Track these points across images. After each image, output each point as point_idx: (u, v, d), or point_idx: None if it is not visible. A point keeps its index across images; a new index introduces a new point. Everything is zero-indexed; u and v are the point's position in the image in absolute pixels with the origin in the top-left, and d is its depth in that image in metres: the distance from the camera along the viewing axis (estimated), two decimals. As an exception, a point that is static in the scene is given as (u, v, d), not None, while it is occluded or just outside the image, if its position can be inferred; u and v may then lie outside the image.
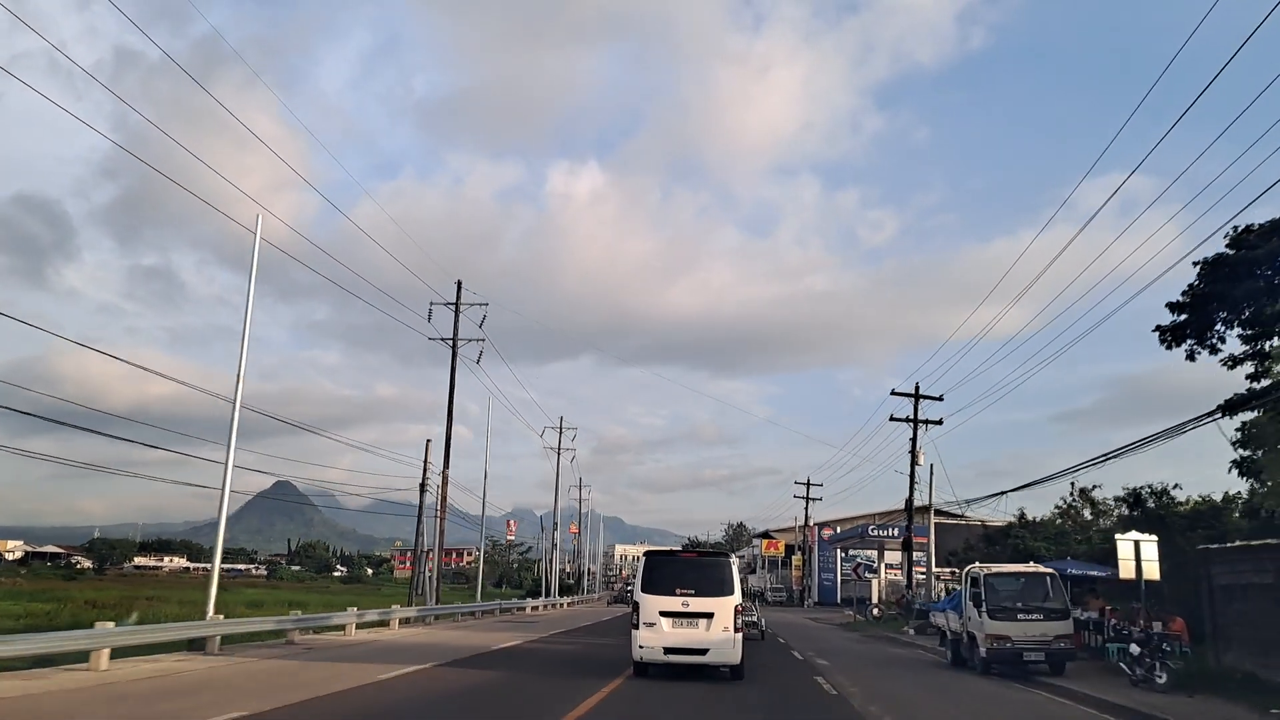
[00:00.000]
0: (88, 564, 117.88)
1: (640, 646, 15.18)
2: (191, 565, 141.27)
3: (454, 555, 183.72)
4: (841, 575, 76.53)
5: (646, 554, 16.36)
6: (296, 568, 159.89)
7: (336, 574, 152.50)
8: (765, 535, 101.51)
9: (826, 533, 76.37)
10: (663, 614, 15.16)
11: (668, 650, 15.06)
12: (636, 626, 15.23)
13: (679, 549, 18.41)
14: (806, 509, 75.91)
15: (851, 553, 78.25)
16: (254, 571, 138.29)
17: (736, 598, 15.28)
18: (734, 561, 16.42)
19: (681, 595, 15.17)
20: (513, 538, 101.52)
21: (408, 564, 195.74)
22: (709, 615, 15.07)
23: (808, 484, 75.71)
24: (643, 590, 15.43)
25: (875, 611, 43.28)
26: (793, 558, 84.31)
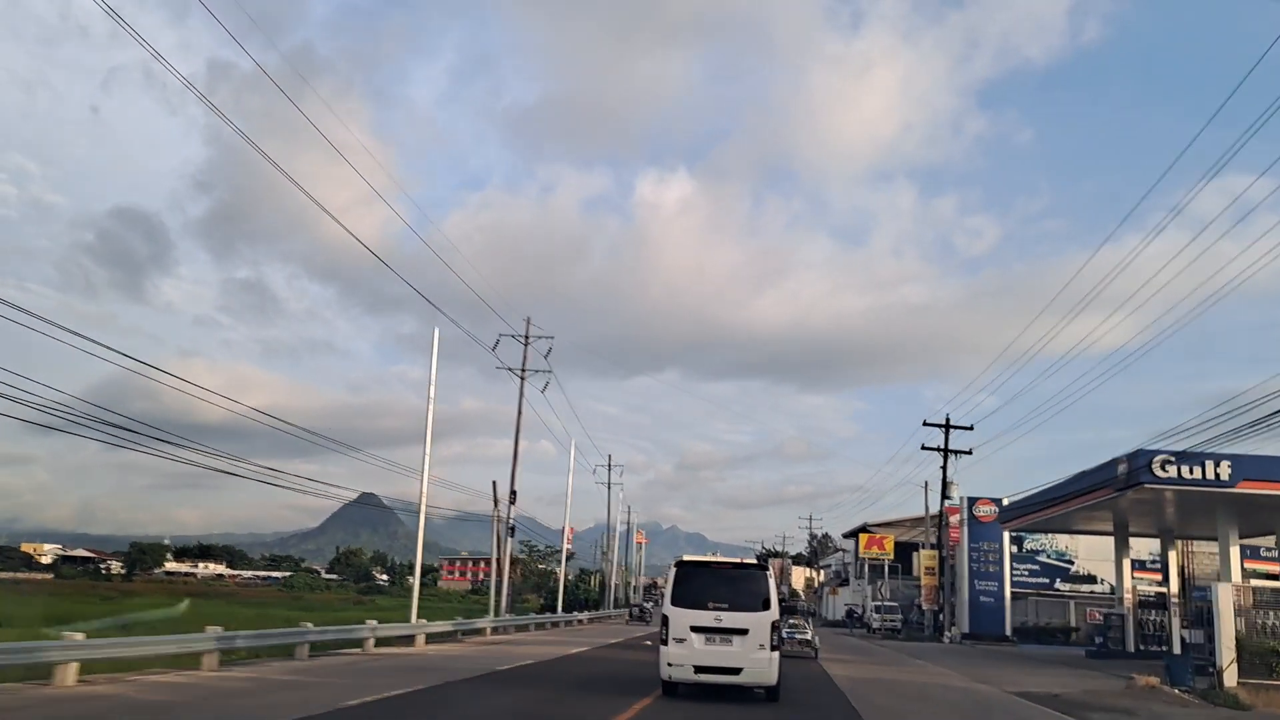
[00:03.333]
0: (119, 568, 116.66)
1: (669, 664, 14.03)
2: (228, 572, 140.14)
3: (474, 564, 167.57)
4: (1011, 584, 45.09)
5: (677, 563, 15.14)
6: (333, 576, 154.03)
7: (379, 583, 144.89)
8: (862, 530, 70.72)
9: (984, 509, 45.14)
10: (694, 629, 13.97)
11: (698, 669, 13.88)
12: (665, 642, 14.12)
13: (712, 559, 16.39)
14: (944, 471, 45.23)
15: (1027, 547, 46.99)
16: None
17: (774, 613, 14.01)
18: (771, 573, 14.92)
19: (714, 609, 13.98)
20: (570, 546, 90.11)
21: (456, 574, 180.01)
22: (744, 631, 13.84)
23: (946, 426, 45.04)
24: (672, 603, 14.28)
25: None
26: (918, 556, 52.99)
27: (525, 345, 46.22)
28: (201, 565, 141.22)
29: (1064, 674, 23.90)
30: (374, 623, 23.60)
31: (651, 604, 51.73)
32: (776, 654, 13.76)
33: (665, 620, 14.14)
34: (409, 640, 25.69)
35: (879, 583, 66.18)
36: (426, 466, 28.92)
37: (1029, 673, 24.20)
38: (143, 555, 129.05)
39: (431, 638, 27.36)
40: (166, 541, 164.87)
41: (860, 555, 69.98)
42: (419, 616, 27.92)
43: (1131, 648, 31.30)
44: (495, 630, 34.29)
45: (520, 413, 45.24)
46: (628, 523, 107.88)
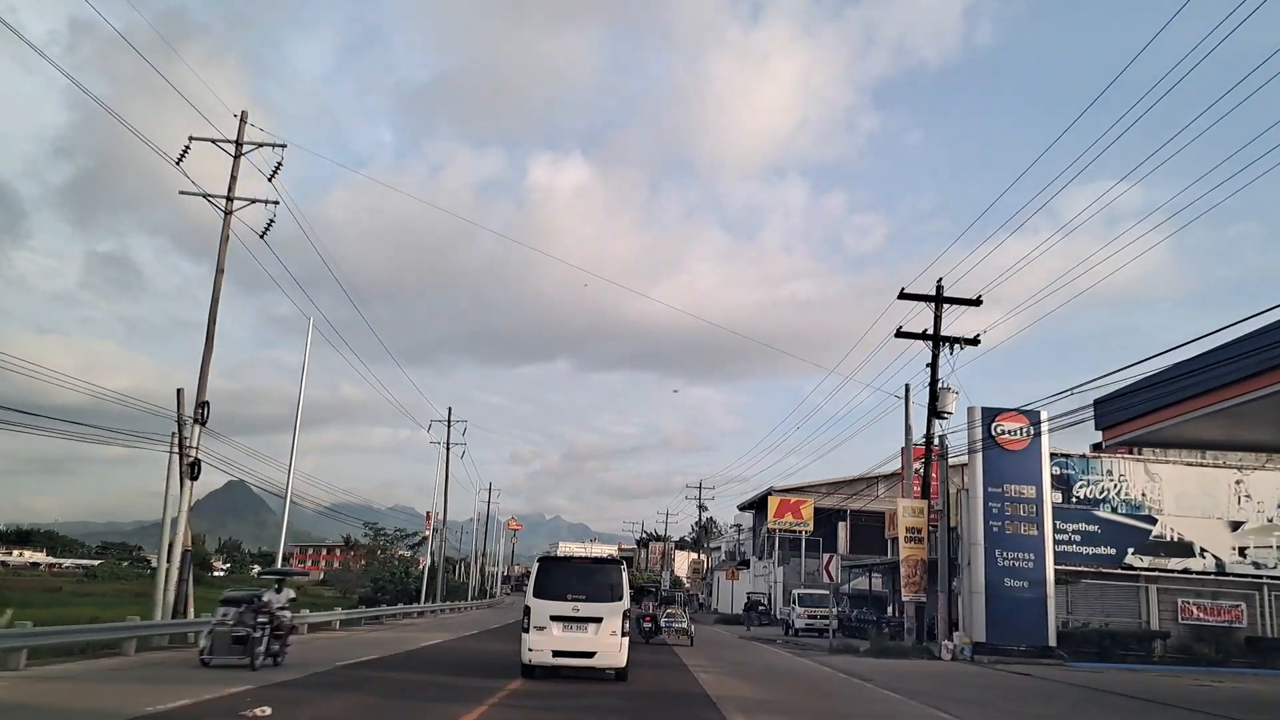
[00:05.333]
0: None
1: (530, 649, 15.27)
2: (46, 561, 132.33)
3: (327, 551, 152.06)
4: (1055, 558, 25.19)
5: (540, 559, 16.63)
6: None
7: (219, 573, 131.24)
8: (767, 495, 53.75)
9: (1010, 427, 25.24)
10: (553, 618, 15.33)
11: (556, 653, 15.24)
12: (527, 630, 15.33)
13: (572, 554, 18.60)
14: (934, 370, 26.27)
15: (1078, 493, 27.47)
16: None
17: (626, 603, 15.52)
18: (624, 567, 16.45)
19: (572, 600, 15.40)
20: (429, 533, 78.47)
21: (308, 563, 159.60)
22: (598, 620, 15.33)
23: (938, 299, 26.15)
24: (534, 595, 15.55)
25: None
26: (897, 515, 33.89)
27: (236, 156, 28.38)
28: (17, 553, 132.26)
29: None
30: None
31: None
32: (626, 640, 15.15)
33: (527, 610, 15.19)
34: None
35: (795, 562, 47.95)
36: None
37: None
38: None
39: None
40: (2, 528, 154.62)
41: (771, 526, 51.85)
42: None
43: None
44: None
45: (222, 257, 26.87)
46: (489, 502, 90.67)
